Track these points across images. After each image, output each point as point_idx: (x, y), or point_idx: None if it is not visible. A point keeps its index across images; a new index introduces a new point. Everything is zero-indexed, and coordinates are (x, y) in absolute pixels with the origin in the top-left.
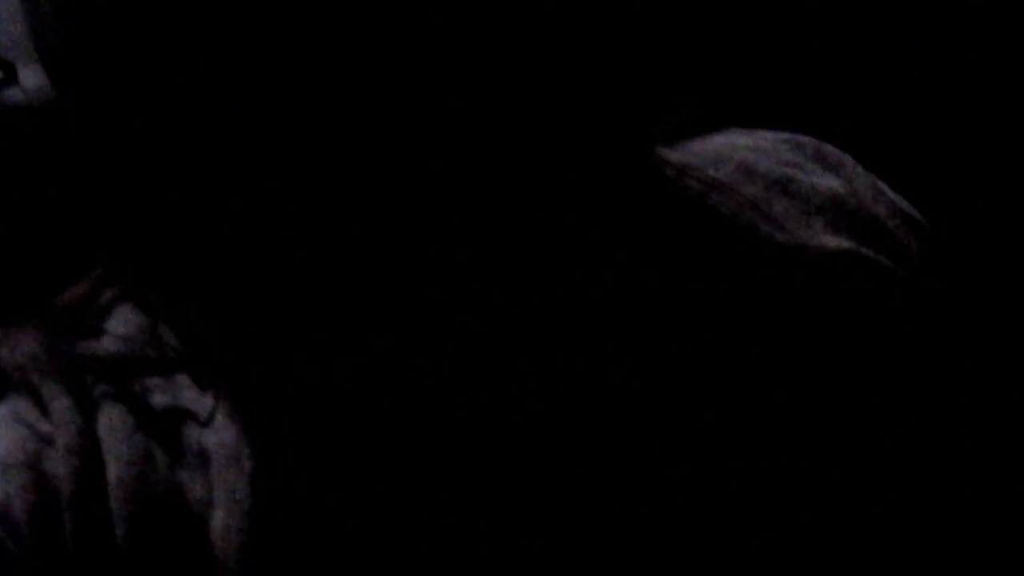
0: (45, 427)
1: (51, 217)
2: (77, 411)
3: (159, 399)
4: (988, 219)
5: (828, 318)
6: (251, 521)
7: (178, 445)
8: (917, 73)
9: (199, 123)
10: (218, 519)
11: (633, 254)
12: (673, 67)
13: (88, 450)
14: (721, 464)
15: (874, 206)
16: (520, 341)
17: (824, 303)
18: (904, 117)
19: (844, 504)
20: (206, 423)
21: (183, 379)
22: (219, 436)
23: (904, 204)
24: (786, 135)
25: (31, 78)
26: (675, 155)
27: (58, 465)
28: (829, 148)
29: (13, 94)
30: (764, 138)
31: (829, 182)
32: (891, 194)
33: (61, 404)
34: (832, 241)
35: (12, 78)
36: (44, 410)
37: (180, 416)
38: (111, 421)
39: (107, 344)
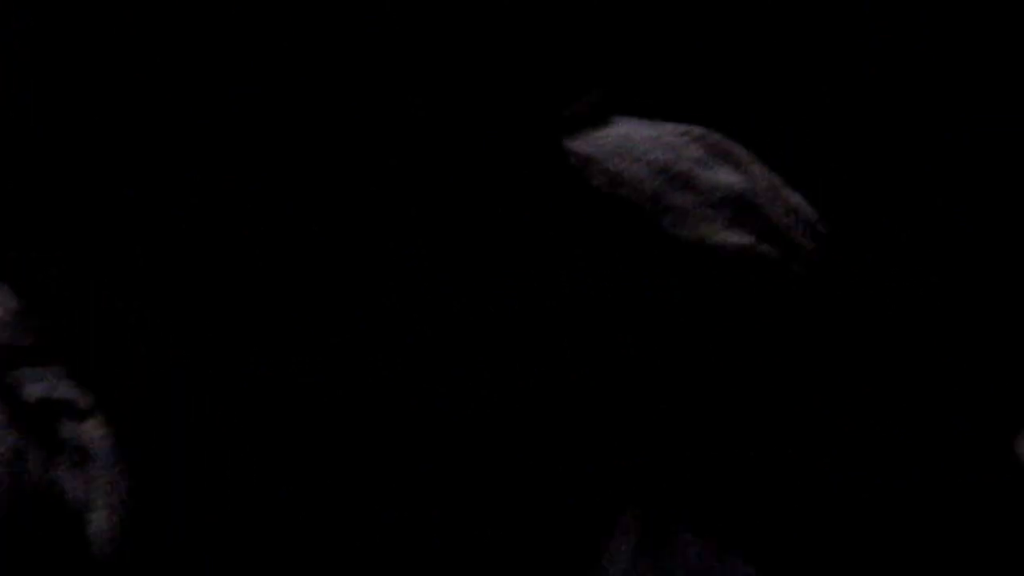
0: None
1: None
2: None
3: (32, 390)
4: (888, 217)
5: (723, 310)
6: (132, 521)
7: (54, 440)
8: (822, 67)
9: (156, 119)
10: (97, 520)
11: (541, 244)
12: (580, 56)
13: None
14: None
15: (771, 203)
16: (475, 337)
17: (719, 296)
18: (807, 111)
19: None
20: (84, 418)
21: (59, 369)
22: (99, 432)
23: (800, 202)
24: (688, 127)
25: None
26: (579, 146)
27: None
28: (729, 143)
29: None
30: (666, 130)
31: (728, 177)
32: (788, 192)
33: None
34: (730, 236)
35: None
36: None
37: (56, 409)
38: None
39: None
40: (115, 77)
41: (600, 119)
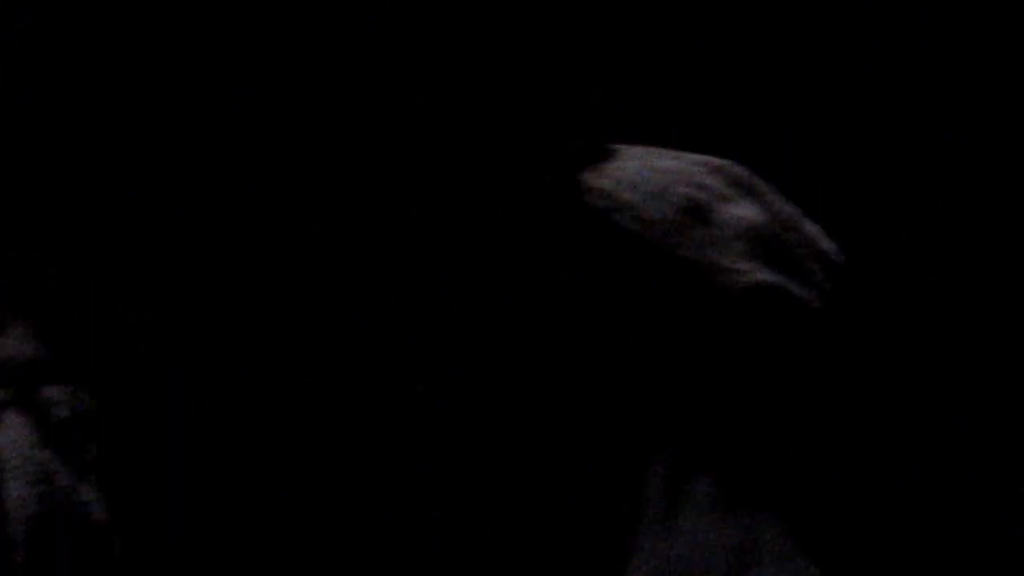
0: None
1: None
2: None
3: (60, 407)
4: (888, 217)
5: (739, 344)
6: (163, 543)
7: (82, 459)
8: (822, 66)
9: (159, 119)
10: (122, 542)
11: (542, 245)
12: (592, 88)
13: None
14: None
15: (790, 236)
16: (475, 337)
17: (737, 329)
18: (821, 140)
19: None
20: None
21: (83, 385)
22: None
23: (818, 234)
24: (704, 158)
25: None
26: (595, 179)
27: None
28: (746, 173)
29: None
30: (682, 160)
31: (745, 211)
32: (806, 224)
33: None
34: (748, 269)
35: None
36: None
37: (84, 424)
38: (12, 435)
39: (11, 347)
40: (115, 77)
41: (613, 151)
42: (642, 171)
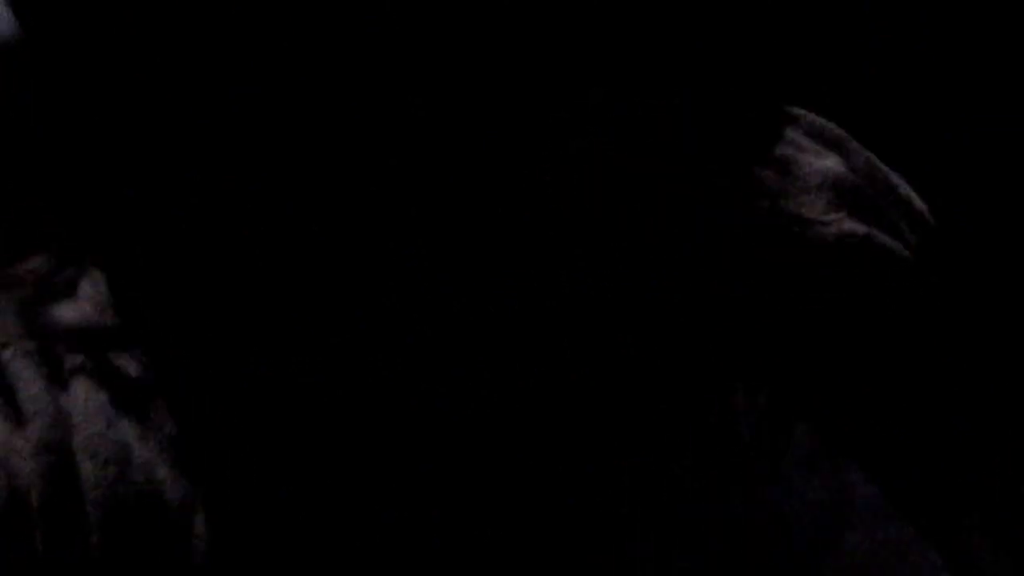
0: (11, 411)
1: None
2: (48, 395)
3: (137, 379)
4: (978, 209)
5: (828, 298)
6: (240, 526)
7: (160, 434)
8: (892, 63)
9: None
10: (201, 523)
11: (542, 244)
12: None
13: (61, 446)
14: (685, 457)
15: (872, 185)
16: (476, 337)
17: (824, 282)
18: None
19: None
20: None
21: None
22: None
23: (900, 182)
24: (782, 108)
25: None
26: None
27: (28, 462)
28: (826, 124)
29: None
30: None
31: (827, 161)
32: (889, 173)
33: (32, 387)
34: (834, 220)
35: None
36: (10, 390)
37: (161, 396)
38: (86, 407)
39: (80, 310)
40: (115, 77)
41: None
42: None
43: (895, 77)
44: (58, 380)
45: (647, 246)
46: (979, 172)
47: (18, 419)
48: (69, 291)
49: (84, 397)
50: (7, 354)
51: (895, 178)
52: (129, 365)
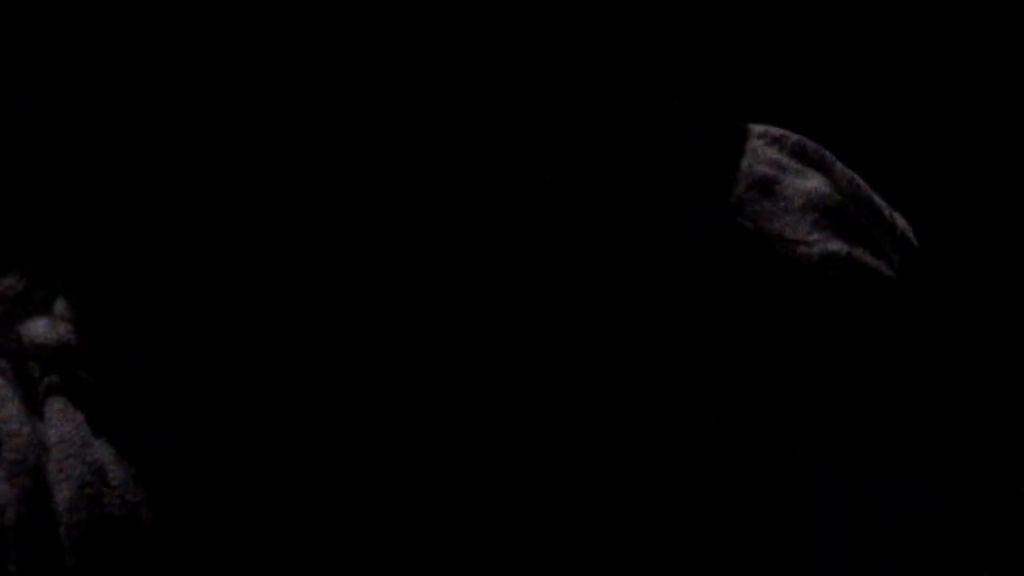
0: None
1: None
2: (23, 416)
3: (111, 400)
4: (958, 221)
5: (812, 319)
6: (220, 542)
7: (134, 455)
8: (885, 71)
9: (158, 118)
10: (177, 545)
11: (542, 244)
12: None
13: (35, 469)
14: (686, 460)
15: (858, 207)
16: (476, 337)
17: (808, 303)
18: (874, 115)
19: (823, 501)
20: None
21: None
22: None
23: (882, 204)
24: (765, 129)
25: None
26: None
27: (1, 485)
28: (809, 144)
29: None
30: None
31: (810, 182)
32: (872, 194)
33: (6, 408)
34: (817, 240)
35: None
36: None
37: (135, 416)
38: (61, 428)
39: (55, 328)
40: (115, 77)
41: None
42: None
43: (895, 77)
44: (32, 400)
45: (646, 246)
46: (978, 172)
47: None
48: (44, 309)
49: (59, 418)
50: None
51: (878, 198)
52: (105, 384)
